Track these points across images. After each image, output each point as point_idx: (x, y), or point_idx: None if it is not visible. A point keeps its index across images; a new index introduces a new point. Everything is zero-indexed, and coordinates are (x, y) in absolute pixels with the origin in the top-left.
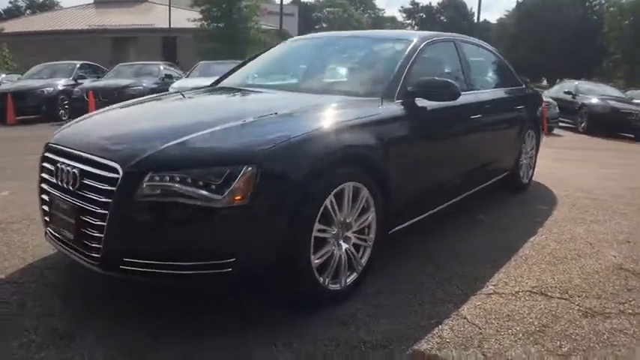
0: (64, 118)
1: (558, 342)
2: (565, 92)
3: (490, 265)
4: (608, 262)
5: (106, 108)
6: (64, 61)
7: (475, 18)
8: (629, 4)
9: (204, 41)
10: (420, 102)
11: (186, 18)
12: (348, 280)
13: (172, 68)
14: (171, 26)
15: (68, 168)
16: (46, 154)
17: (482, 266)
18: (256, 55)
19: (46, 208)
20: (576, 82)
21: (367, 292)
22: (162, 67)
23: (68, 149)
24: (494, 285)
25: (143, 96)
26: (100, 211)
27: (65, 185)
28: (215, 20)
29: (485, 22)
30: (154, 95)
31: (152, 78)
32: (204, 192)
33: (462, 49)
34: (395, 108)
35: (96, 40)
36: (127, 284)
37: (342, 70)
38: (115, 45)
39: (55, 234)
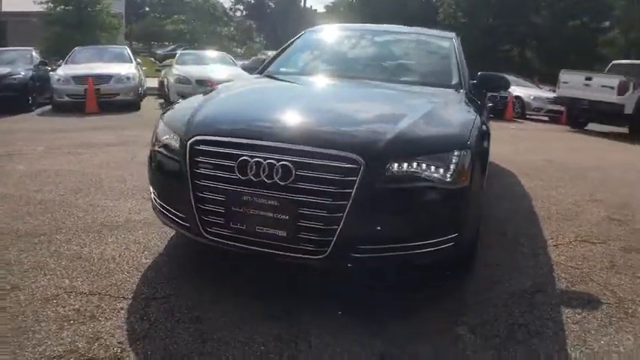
0: None
1: (631, 271)
2: None
3: (530, 226)
4: (599, 215)
5: (218, 93)
6: None
7: (302, 3)
8: None
9: (53, 26)
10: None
11: (33, 1)
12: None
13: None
14: (3, 10)
15: (271, 161)
16: (201, 148)
17: (526, 227)
18: (288, 46)
19: (213, 207)
20: None
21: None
22: (34, 54)
23: (255, 141)
24: (551, 239)
25: (22, 84)
26: (335, 202)
27: (267, 180)
28: (62, 3)
29: (312, 9)
30: (263, 81)
31: (27, 65)
32: (437, 175)
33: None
34: (473, 97)
35: None
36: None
37: (416, 64)
38: None
39: (238, 234)
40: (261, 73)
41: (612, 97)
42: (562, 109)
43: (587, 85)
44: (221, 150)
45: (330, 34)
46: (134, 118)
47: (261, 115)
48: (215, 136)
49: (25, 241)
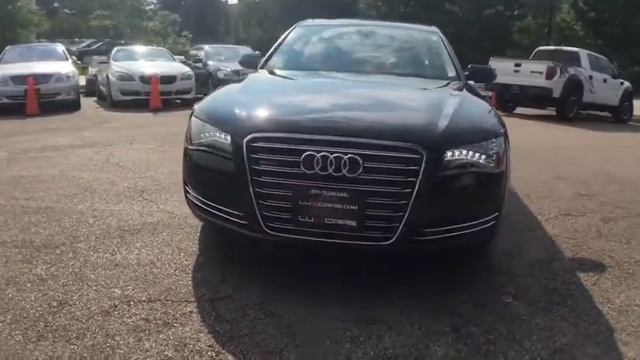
0: None
1: (617, 237)
2: None
3: (516, 204)
4: (570, 193)
5: (249, 88)
6: None
7: None
8: None
9: None
10: None
11: None
12: None
13: None
14: None
15: (338, 155)
16: (260, 145)
17: (513, 205)
18: (282, 41)
19: (277, 203)
20: None
21: None
22: None
23: (321, 136)
24: (539, 215)
25: None
26: (401, 190)
27: (334, 173)
28: None
29: (226, 1)
30: (279, 76)
31: None
32: (482, 161)
33: None
34: (473, 89)
35: None
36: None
37: (417, 58)
38: None
39: (305, 228)
40: (262, 68)
41: (541, 82)
42: (490, 94)
43: (516, 71)
44: (284, 146)
45: (325, 28)
46: (82, 119)
47: (316, 109)
48: (276, 132)
49: (47, 252)
